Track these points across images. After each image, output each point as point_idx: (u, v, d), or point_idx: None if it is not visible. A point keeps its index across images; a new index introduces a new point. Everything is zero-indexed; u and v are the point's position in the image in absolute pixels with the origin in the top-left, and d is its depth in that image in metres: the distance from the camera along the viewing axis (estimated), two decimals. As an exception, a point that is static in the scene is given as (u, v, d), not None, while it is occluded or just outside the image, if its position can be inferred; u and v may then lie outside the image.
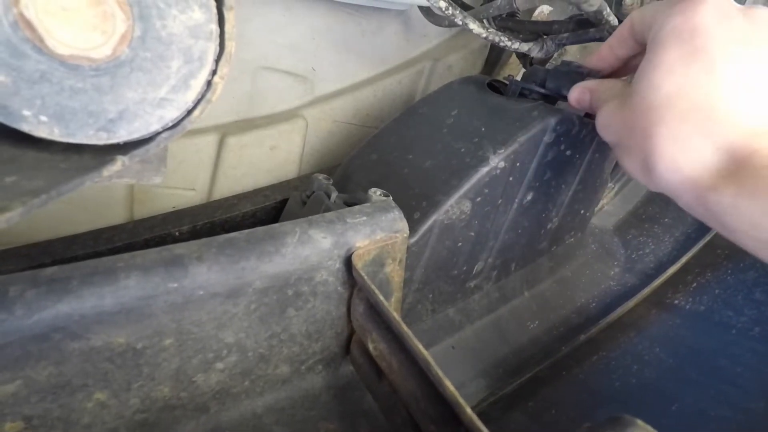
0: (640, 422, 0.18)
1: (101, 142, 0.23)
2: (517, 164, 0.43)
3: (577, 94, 0.40)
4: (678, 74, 0.28)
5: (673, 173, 0.29)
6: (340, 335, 0.35)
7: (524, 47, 0.52)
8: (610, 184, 0.68)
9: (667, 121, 0.28)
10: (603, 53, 0.40)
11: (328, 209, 0.39)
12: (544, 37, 0.52)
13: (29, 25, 0.19)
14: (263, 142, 0.56)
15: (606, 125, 0.35)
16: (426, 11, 0.57)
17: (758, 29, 0.28)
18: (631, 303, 0.55)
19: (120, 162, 0.24)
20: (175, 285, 0.26)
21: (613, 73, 0.42)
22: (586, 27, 0.49)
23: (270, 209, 0.54)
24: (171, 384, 0.29)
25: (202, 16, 0.23)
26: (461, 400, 0.22)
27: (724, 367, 0.46)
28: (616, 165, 0.63)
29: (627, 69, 0.41)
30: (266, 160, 0.58)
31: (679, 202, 0.31)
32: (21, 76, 0.20)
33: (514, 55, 0.73)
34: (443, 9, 0.46)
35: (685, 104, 0.28)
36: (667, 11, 0.30)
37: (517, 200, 0.46)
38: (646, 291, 0.57)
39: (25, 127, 0.21)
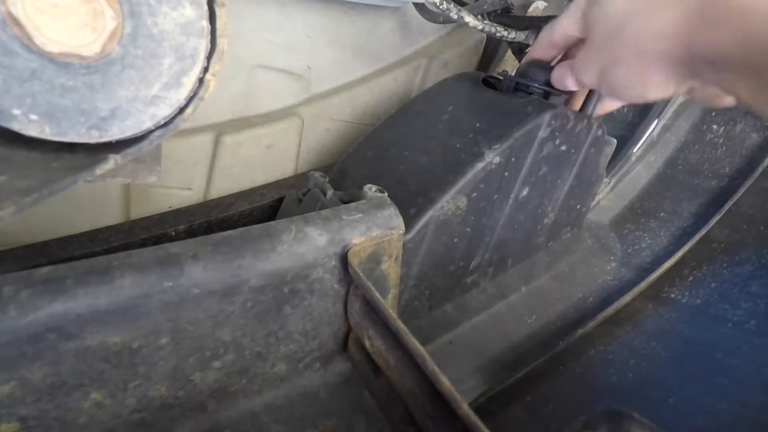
0: (635, 415, 0.18)
1: (93, 141, 0.23)
2: (513, 159, 0.43)
3: (558, 73, 0.44)
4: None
5: (661, 42, 0.33)
6: (337, 332, 0.35)
7: (521, 36, 0.52)
8: (605, 179, 0.68)
9: (635, 14, 0.33)
10: (547, 45, 0.45)
11: (324, 207, 0.39)
12: (540, 25, 0.52)
13: (17, 22, 0.19)
14: (259, 140, 0.56)
15: (585, 65, 0.39)
16: (421, 8, 0.56)
17: None
18: (627, 297, 0.56)
19: (113, 160, 0.24)
20: (171, 284, 0.26)
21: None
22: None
23: (266, 208, 0.54)
24: (168, 383, 0.29)
25: (193, 13, 0.23)
26: (457, 396, 0.22)
27: (721, 360, 0.46)
28: (612, 159, 0.63)
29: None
30: (263, 158, 0.58)
31: (678, 73, 0.34)
32: (11, 74, 0.20)
33: (509, 52, 0.73)
34: (437, 4, 0.46)
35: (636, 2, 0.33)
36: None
37: (512, 195, 0.46)
38: (643, 285, 0.57)
39: (16, 126, 0.21)
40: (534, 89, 0.47)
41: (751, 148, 0.65)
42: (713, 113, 0.69)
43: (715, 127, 0.68)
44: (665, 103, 0.69)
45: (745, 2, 0.29)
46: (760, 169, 0.62)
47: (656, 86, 0.35)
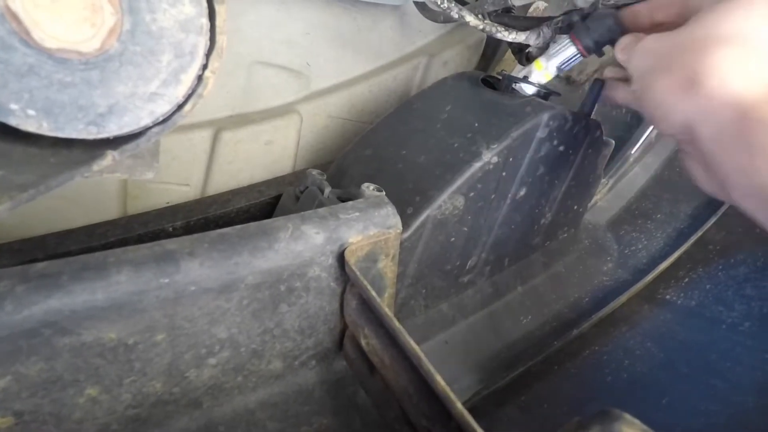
0: (627, 415, 0.18)
1: (91, 137, 0.23)
2: (510, 159, 0.43)
3: (629, 40, 0.39)
4: (744, 12, 0.31)
5: (721, 88, 0.30)
6: (333, 330, 0.35)
7: (521, 36, 0.51)
8: (603, 180, 0.69)
9: (730, 43, 0.30)
10: (642, 11, 0.41)
11: (321, 204, 0.39)
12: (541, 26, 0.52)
13: (15, 17, 0.19)
14: (258, 137, 0.56)
15: (649, 49, 0.35)
16: (421, 6, 0.56)
17: None
18: (623, 298, 0.56)
19: (110, 157, 0.24)
20: (167, 280, 0.26)
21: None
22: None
23: (264, 205, 0.54)
24: (163, 379, 0.29)
25: (193, 10, 0.23)
26: (452, 395, 0.22)
27: (714, 362, 0.47)
28: (610, 160, 0.63)
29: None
30: (261, 155, 0.58)
31: (706, 125, 0.31)
32: (8, 69, 0.20)
33: (509, 52, 0.73)
34: (438, 3, 0.46)
35: (750, 35, 0.30)
36: None
37: (510, 195, 0.46)
38: (639, 286, 0.57)
39: (13, 121, 0.21)
40: (532, 89, 0.47)
41: (748, 151, 0.65)
42: (711, 116, 0.70)
43: (712, 129, 0.68)
44: (664, 104, 0.69)
45: None
46: (756, 172, 0.62)
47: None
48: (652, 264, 0.60)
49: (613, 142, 0.57)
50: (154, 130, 0.25)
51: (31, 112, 0.21)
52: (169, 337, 0.27)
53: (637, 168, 0.71)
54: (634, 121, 0.70)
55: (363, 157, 0.48)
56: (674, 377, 0.47)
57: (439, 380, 0.23)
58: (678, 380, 0.46)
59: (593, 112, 0.50)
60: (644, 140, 0.70)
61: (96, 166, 0.23)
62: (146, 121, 0.24)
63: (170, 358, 0.28)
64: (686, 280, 0.57)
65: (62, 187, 0.22)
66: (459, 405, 0.22)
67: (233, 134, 0.54)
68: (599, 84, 0.48)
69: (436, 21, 0.57)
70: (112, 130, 0.23)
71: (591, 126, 0.50)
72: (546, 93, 0.48)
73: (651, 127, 0.70)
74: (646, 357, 0.49)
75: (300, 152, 0.62)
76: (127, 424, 0.29)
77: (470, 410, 0.22)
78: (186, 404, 0.31)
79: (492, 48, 0.74)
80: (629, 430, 0.18)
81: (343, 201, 0.36)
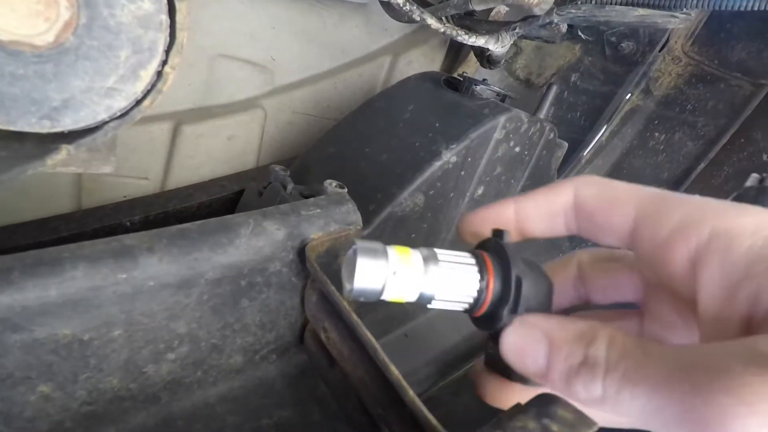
0: (563, 399, 0.20)
1: (45, 131, 0.23)
2: (469, 159, 0.45)
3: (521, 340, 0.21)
4: None
5: None
6: (293, 325, 0.35)
7: (480, 41, 0.53)
8: (556, 180, 0.72)
9: None
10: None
11: (284, 200, 0.40)
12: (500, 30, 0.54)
13: (-36, 8, 0.19)
14: (220, 131, 0.56)
15: (658, 407, 0.17)
16: (386, 5, 0.57)
17: None
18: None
19: (65, 151, 0.24)
20: (125, 276, 0.26)
21: None
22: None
23: (226, 200, 0.54)
24: (120, 375, 0.28)
25: (152, 6, 0.23)
26: (405, 384, 0.24)
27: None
28: (563, 162, 0.66)
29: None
30: (223, 149, 0.57)
31: None
32: (-45, 61, 0.20)
33: (473, 53, 0.75)
34: (401, 4, 0.47)
35: None
36: None
37: (468, 194, 0.48)
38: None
39: (-40, 114, 0.21)
40: (491, 92, 0.49)
41: (687, 155, 0.70)
42: (656, 121, 0.74)
43: (657, 134, 0.73)
44: (614, 109, 0.74)
45: None
46: (693, 175, 0.68)
47: None
48: (600, 260, 0.64)
49: (566, 144, 0.60)
50: (111, 124, 0.25)
51: (-21, 104, 0.21)
52: (126, 332, 0.27)
53: (588, 169, 0.75)
54: (587, 124, 0.74)
55: (326, 154, 0.48)
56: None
57: (393, 370, 0.24)
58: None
59: (548, 115, 0.52)
60: (595, 143, 0.74)
61: (50, 161, 0.23)
62: (103, 116, 0.24)
63: (127, 354, 0.28)
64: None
65: (12, 183, 0.22)
66: (411, 393, 0.23)
67: (194, 128, 0.53)
68: (554, 88, 0.51)
69: (401, 20, 0.59)
70: (66, 124, 0.23)
71: (545, 128, 0.52)
72: (504, 95, 0.50)
73: (602, 131, 0.74)
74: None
75: (263, 147, 0.61)
76: (81, 421, 0.28)
77: (428, 400, 0.23)
78: (144, 400, 0.30)
79: (456, 49, 0.76)
80: (564, 412, 0.20)
81: (305, 197, 0.37)
